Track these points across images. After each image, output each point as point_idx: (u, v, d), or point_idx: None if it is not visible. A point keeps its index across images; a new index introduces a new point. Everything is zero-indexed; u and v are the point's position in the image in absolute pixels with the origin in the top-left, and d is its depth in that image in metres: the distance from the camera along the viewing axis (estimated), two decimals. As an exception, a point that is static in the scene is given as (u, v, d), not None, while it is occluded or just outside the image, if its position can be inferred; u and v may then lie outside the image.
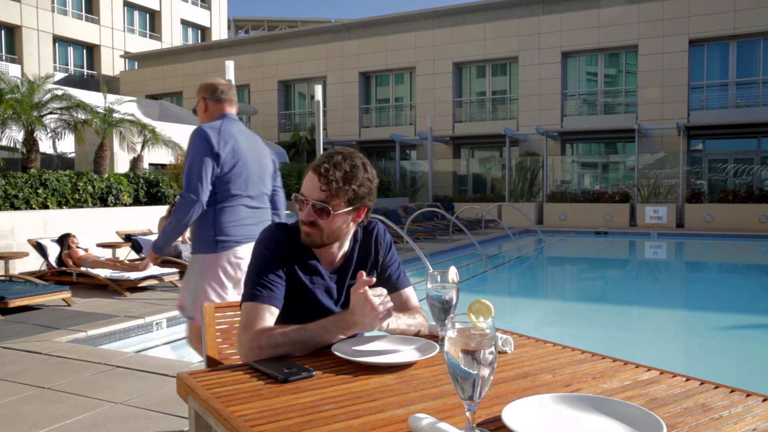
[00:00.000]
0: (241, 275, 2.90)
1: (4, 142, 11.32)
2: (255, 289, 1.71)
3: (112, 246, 8.69)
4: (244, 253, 2.91)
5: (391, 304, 1.60)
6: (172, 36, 36.36)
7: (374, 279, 1.62)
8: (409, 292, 1.91)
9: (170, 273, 7.35)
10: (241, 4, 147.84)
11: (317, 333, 1.62)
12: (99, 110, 12.44)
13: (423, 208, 15.16)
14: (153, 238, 8.79)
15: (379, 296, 1.58)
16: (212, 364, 1.94)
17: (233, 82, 11.75)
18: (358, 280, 1.59)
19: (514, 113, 22.93)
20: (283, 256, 1.76)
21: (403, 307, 1.86)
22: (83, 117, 11.86)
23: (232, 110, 3.08)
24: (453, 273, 1.66)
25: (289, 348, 1.60)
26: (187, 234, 8.98)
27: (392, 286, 1.87)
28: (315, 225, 1.73)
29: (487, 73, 23.69)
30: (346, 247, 1.85)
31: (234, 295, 2.93)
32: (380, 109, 25.56)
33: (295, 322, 1.67)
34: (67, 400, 3.52)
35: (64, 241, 7.70)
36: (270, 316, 1.69)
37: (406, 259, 10.35)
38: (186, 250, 8.34)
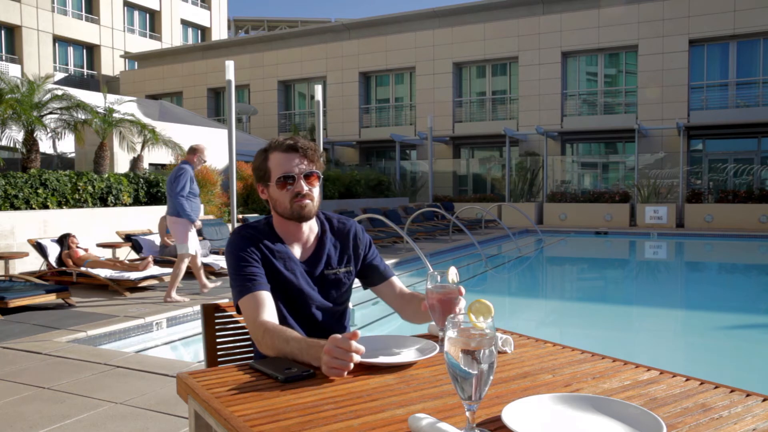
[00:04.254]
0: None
1: (4, 142, 11.30)
2: (239, 285, 1.78)
3: (112, 246, 8.69)
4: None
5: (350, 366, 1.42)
6: (172, 36, 36.35)
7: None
8: (396, 281, 2.03)
9: (170, 273, 7.34)
10: (241, 4, 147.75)
11: (296, 351, 1.53)
12: (99, 110, 12.41)
13: (423, 208, 15.15)
14: (153, 238, 8.78)
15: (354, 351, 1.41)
16: (212, 363, 1.94)
17: (233, 82, 11.68)
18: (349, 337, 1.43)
19: (514, 113, 22.93)
20: (254, 249, 1.83)
21: (400, 294, 1.97)
22: (83, 117, 11.82)
23: (189, 158, 6.60)
24: (453, 273, 1.66)
25: (274, 353, 1.61)
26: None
27: (382, 276, 2.00)
28: (309, 194, 1.86)
29: (487, 73, 23.69)
30: (315, 229, 1.95)
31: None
32: (380, 109, 25.55)
33: (279, 307, 1.80)
34: (67, 400, 3.52)
35: (64, 241, 7.70)
36: (261, 300, 1.74)
37: (406, 259, 10.34)
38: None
